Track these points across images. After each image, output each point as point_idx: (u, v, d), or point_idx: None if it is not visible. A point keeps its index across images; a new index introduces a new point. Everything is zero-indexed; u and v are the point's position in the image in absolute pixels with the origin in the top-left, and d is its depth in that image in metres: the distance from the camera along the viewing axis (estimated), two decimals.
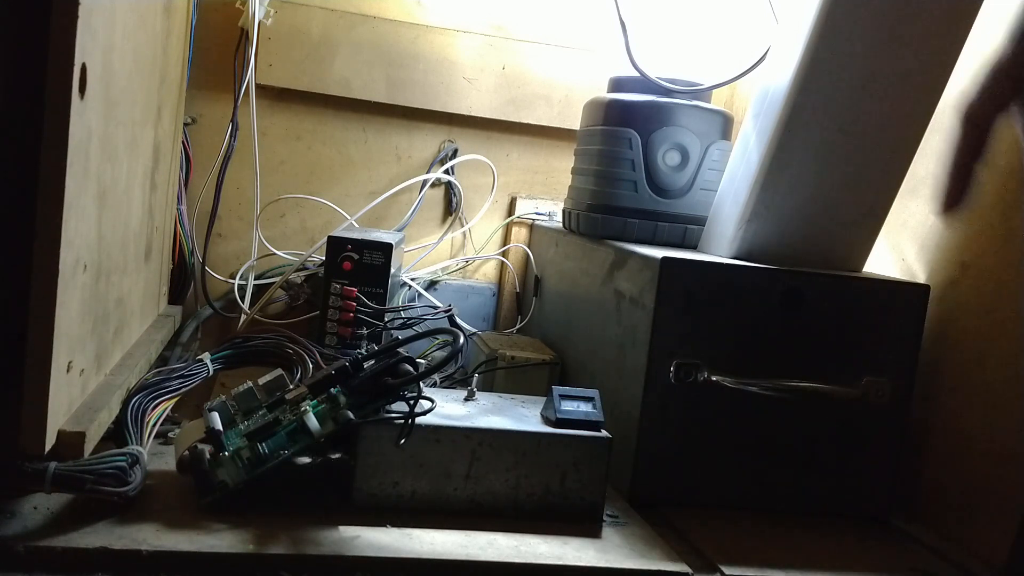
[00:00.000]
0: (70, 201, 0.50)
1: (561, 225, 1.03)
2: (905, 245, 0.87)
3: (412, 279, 1.08)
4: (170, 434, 0.71)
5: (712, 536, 0.69)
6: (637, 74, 0.91)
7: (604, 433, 0.68)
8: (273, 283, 1.02)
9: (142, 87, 0.71)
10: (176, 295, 1.01)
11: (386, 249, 0.88)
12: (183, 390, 0.73)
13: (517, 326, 1.11)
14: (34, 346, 0.50)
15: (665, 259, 0.73)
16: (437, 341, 0.93)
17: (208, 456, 0.61)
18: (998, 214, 0.77)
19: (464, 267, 1.15)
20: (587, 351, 0.89)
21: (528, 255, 1.12)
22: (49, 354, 0.50)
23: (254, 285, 1.02)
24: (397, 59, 1.07)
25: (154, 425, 0.67)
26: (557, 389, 0.69)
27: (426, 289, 1.10)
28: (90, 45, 0.51)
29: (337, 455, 0.65)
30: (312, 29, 1.05)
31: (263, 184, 1.01)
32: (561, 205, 1.03)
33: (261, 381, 0.66)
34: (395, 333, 0.89)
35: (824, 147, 0.76)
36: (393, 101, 1.09)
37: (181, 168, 0.98)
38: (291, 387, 0.66)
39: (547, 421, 0.68)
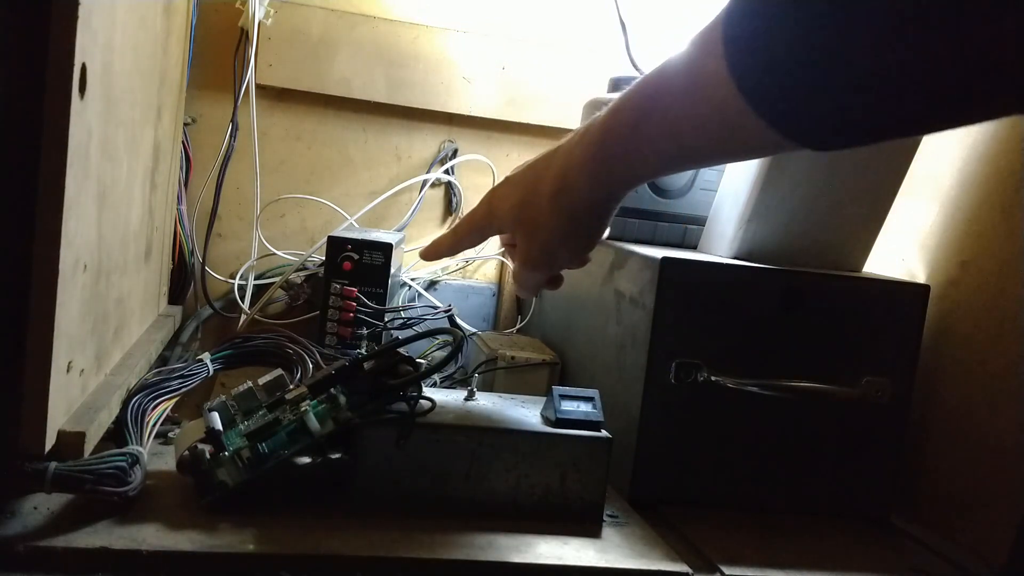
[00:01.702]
0: (70, 201, 0.50)
1: None
2: (905, 245, 0.87)
3: (412, 279, 1.08)
4: (170, 434, 0.71)
5: (712, 536, 0.69)
6: (637, 74, 0.91)
7: (604, 433, 0.68)
8: (273, 283, 1.02)
9: (142, 87, 0.71)
10: (176, 295, 1.01)
11: (386, 249, 0.88)
12: (183, 390, 0.73)
13: (517, 326, 1.11)
14: (34, 346, 0.50)
15: (665, 259, 0.73)
16: (437, 341, 0.93)
17: (208, 456, 0.61)
18: (998, 214, 0.77)
19: (464, 267, 1.15)
20: (587, 351, 0.89)
21: None
22: (49, 354, 0.50)
23: (254, 285, 1.02)
24: (397, 59, 1.07)
25: (154, 425, 0.67)
26: (557, 389, 0.69)
27: (426, 289, 1.10)
28: (90, 45, 0.51)
29: (337, 455, 0.65)
30: (312, 29, 1.05)
31: (263, 184, 1.01)
32: None
33: (261, 381, 0.66)
34: (395, 333, 0.89)
35: None
36: (393, 101, 1.09)
37: (181, 168, 0.98)
38: (291, 387, 0.66)
39: (547, 421, 0.68)
